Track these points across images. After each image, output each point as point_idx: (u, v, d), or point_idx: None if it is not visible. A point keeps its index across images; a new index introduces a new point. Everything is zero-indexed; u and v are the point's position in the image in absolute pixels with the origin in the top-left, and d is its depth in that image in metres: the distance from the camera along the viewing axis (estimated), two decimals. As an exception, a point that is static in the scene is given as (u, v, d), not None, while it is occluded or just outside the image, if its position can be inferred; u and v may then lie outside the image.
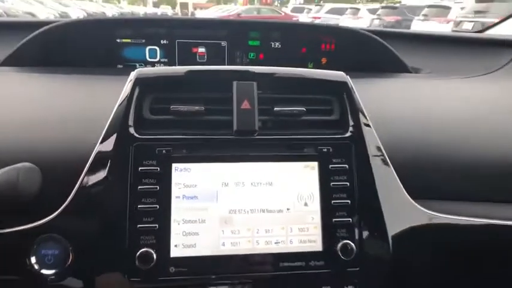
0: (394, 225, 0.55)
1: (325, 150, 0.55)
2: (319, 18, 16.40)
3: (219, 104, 0.56)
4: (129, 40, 0.91)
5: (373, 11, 14.77)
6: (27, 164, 0.45)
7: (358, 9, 15.81)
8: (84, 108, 0.64)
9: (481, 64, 0.92)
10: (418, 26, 11.24)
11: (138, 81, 0.55)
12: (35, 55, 0.84)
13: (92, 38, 0.90)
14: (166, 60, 0.93)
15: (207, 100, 0.57)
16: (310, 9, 19.36)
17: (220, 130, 0.55)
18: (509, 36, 1.02)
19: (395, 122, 0.68)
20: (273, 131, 0.57)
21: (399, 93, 0.79)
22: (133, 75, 0.56)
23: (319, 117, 0.59)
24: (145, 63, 0.93)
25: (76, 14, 20.27)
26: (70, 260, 0.51)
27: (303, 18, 17.56)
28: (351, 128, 0.57)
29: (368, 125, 0.58)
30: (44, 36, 0.84)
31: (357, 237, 0.53)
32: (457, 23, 9.21)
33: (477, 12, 8.47)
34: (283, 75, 0.59)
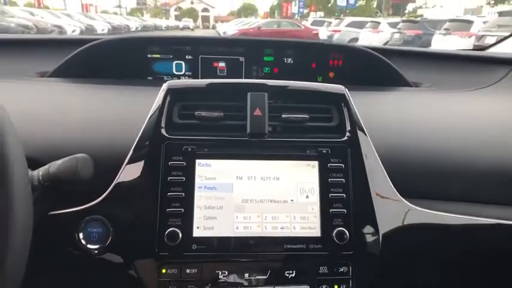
0: (383, 216, 0.64)
1: (324, 151, 0.65)
2: (339, 31, 16.47)
3: (235, 111, 0.67)
4: (158, 55, 1.04)
5: (393, 25, 14.74)
6: (83, 154, 0.56)
7: (378, 23, 15.81)
8: (123, 113, 0.76)
9: (477, 79, 1.00)
10: (439, 40, 11.17)
11: (169, 91, 0.67)
12: (78, 68, 0.97)
13: (126, 54, 1.02)
14: (190, 73, 1.05)
15: (226, 107, 0.67)
16: (330, 23, 19.44)
17: (236, 133, 0.65)
18: (503, 54, 1.09)
19: (391, 129, 0.77)
20: (280, 134, 0.67)
21: (396, 104, 0.88)
22: (165, 86, 0.67)
23: (320, 124, 0.68)
24: (172, 76, 1.05)
25: (101, 26, 21.05)
26: (110, 238, 0.61)
27: (323, 31, 17.65)
28: (347, 133, 0.67)
29: (363, 131, 0.67)
30: (87, 52, 0.98)
31: (350, 225, 0.62)
32: (479, 37, 9.13)
33: (500, 26, 8.39)
34: (291, 87, 0.70)
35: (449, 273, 0.85)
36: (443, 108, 0.87)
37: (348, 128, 0.67)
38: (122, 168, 0.63)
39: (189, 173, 0.62)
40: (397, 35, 13.41)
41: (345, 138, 0.66)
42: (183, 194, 0.62)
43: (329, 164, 0.64)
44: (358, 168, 0.65)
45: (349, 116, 0.68)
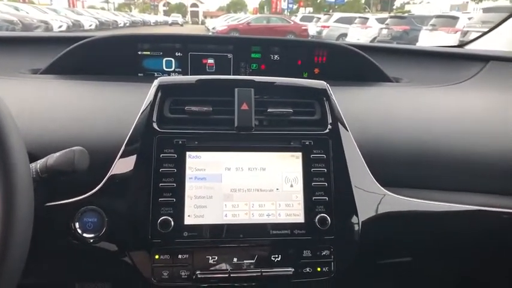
0: (362, 202, 0.68)
1: (307, 143, 0.69)
2: (328, 27, 16.54)
3: (223, 106, 0.70)
4: (148, 53, 1.07)
5: (381, 21, 14.87)
6: (80, 147, 0.59)
7: (366, 19, 15.92)
8: (116, 108, 0.79)
9: (454, 75, 1.06)
10: (426, 35, 11.34)
11: (160, 87, 0.70)
12: (70, 65, 0.99)
13: (117, 51, 1.05)
14: (180, 69, 1.08)
15: (214, 102, 0.71)
16: (319, 18, 19.50)
17: (225, 126, 0.69)
18: (478, 51, 1.15)
19: (370, 122, 0.81)
20: (266, 127, 0.71)
21: (376, 98, 0.93)
22: (156, 82, 0.71)
23: (303, 117, 0.73)
24: (162, 73, 1.08)
25: (88, 22, 20.73)
26: (106, 226, 0.65)
27: (312, 27, 17.69)
28: (329, 126, 0.71)
29: (343, 124, 0.71)
30: (78, 49, 1.00)
31: (332, 211, 0.66)
32: (464, 33, 9.31)
33: (484, 22, 8.56)
34: (276, 83, 0.74)
35: (427, 257, 0.90)
36: (421, 102, 0.92)
37: (330, 121, 0.71)
38: (115, 161, 0.66)
39: (180, 164, 0.66)
40: (385, 31, 13.54)
41: (327, 130, 0.71)
42: (175, 184, 0.65)
43: (312, 155, 0.69)
44: (339, 158, 0.69)
45: (330, 110, 0.72)
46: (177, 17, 48.21)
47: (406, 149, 0.78)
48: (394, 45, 1.28)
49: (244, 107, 0.70)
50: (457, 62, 1.11)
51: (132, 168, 0.65)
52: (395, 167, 0.77)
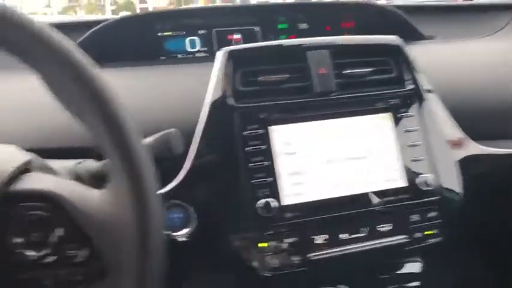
0: (457, 156, 0.64)
1: (394, 102, 0.64)
2: None
3: (299, 72, 0.64)
4: (170, 33, 0.97)
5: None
6: (175, 129, 0.51)
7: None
8: (168, 92, 0.69)
9: (485, 27, 1.04)
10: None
11: (230, 58, 0.62)
12: (89, 54, 0.88)
13: (134, 34, 0.94)
14: (205, 49, 0.99)
15: (288, 70, 0.64)
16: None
17: (304, 94, 0.63)
18: (503, 1, 1.14)
19: (447, 77, 0.77)
20: (346, 90, 0.65)
21: (425, 57, 0.89)
22: (222, 53, 0.63)
23: (382, 76, 0.67)
24: (186, 54, 0.99)
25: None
26: (195, 221, 0.57)
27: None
28: (410, 82, 0.66)
29: (423, 79, 0.67)
30: (94, 36, 0.89)
31: (432, 171, 0.62)
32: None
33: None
34: (348, 43, 0.68)
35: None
36: (465, 56, 0.89)
37: (409, 77, 0.67)
38: (192, 146, 0.58)
39: (266, 140, 0.59)
40: None
41: (410, 87, 0.66)
42: (265, 163, 0.58)
43: (401, 115, 0.64)
44: (428, 115, 0.65)
45: (407, 66, 0.67)
46: (126, 16, 46.48)
47: (485, 100, 0.75)
48: (420, 3, 1.24)
49: (322, 70, 0.63)
50: (484, 14, 1.09)
51: (214, 151, 0.58)
52: (477, 120, 0.73)
